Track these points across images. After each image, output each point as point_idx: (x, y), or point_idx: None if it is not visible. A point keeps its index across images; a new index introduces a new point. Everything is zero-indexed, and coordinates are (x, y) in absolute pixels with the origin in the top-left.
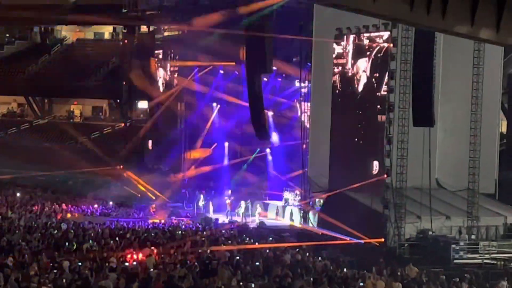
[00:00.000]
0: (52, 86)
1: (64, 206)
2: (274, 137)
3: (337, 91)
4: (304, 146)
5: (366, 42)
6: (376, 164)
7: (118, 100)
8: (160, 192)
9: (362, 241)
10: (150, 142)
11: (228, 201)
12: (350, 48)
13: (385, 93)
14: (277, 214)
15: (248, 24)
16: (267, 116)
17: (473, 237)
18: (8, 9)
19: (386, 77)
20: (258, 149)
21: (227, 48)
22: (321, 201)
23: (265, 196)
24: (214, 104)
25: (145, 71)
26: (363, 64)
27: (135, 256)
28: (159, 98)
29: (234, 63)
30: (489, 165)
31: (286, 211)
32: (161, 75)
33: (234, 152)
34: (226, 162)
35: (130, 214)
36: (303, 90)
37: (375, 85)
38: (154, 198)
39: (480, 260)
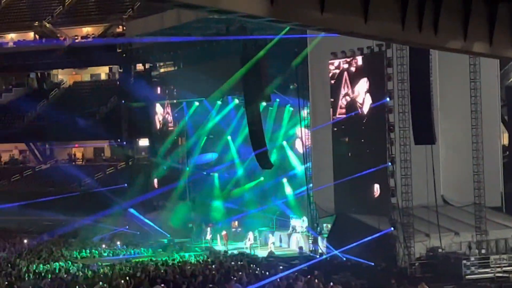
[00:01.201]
0: (52, 130)
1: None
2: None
3: (337, 115)
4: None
5: (361, 63)
6: (377, 187)
7: (119, 140)
8: (167, 228)
9: (372, 263)
10: (155, 180)
11: (223, 232)
12: (346, 71)
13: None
14: (280, 241)
15: (244, 55)
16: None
17: (483, 251)
18: (4, 58)
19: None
20: (262, 178)
21: (224, 80)
22: (329, 226)
23: (272, 225)
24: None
25: (143, 109)
26: (363, 85)
27: None
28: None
29: (230, 95)
30: (493, 178)
31: (294, 238)
32: (159, 111)
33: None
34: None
35: (138, 253)
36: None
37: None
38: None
39: (492, 274)
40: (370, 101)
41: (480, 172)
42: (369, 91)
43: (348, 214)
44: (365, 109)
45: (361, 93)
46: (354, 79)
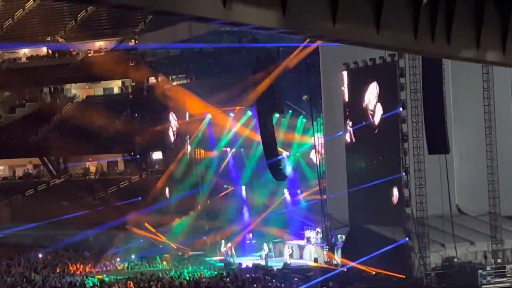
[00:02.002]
0: (65, 145)
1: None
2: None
3: (350, 124)
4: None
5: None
6: (395, 193)
7: (132, 153)
8: (182, 241)
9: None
10: (167, 189)
11: (229, 244)
12: (357, 80)
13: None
14: (290, 255)
15: (257, 67)
16: (282, 156)
17: (499, 261)
18: (17, 73)
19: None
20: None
21: (237, 92)
22: (343, 236)
23: (286, 236)
24: (228, 149)
25: (156, 121)
26: (373, 91)
27: None
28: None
29: (243, 107)
30: (508, 187)
31: (308, 250)
32: (172, 124)
33: (251, 193)
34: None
35: (152, 265)
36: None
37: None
38: (175, 247)
39: (509, 284)
40: (381, 111)
41: (495, 181)
42: (380, 98)
43: (362, 225)
44: (377, 118)
45: (371, 100)
46: (364, 86)
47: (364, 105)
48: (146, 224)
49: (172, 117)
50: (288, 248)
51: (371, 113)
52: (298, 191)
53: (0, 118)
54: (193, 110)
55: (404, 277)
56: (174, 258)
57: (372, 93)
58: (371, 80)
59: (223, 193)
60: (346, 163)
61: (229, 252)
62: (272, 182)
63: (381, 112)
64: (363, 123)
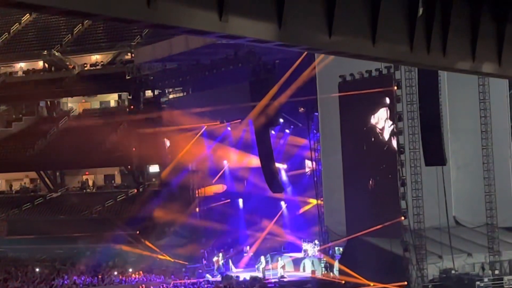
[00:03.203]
0: (62, 158)
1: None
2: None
3: (348, 138)
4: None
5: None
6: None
7: (129, 167)
8: (178, 254)
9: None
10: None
11: (215, 258)
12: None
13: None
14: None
15: (253, 80)
16: (279, 169)
17: (496, 272)
18: (14, 87)
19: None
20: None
21: (233, 105)
22: (341, 249)
23: (284, 249)
24: (225, 161)
25: (153, 135)
26: (383, 114)
27: None
28: (170, 160)
29: (240, 120)
30: (505, 198)
31: (306, 262)
32: (167, 137)
33: (249, 207)
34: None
35: (150, 280)
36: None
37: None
38: (172, 260)
39: None
40: (390, 130)
41: (492, 193)
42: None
43: (360, 237)
44: (386, 135)
45: (380, 121)
46: (370, 106)
47: (371, 124)
48: (146, 242)
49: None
50: (281, 260)
51: (380, 131)
52: (295, 203)
53: None
54: (189, 123)
55: None
56: (170, 270)
57: (382, 114)
58: (379, 104)
59: (219, 204)
60: (343, 175)
61: (216, 265)
62: (269, 194)
63: (390, 130)
64: (366, 138)
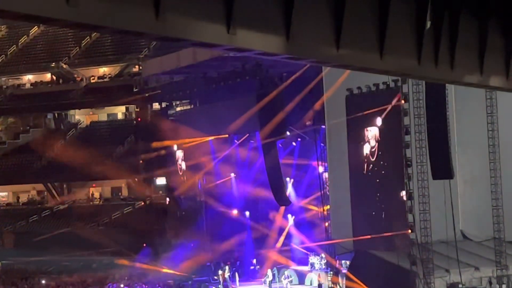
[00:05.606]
0: (69, 171)
1: None
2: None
3: (355, 151)
4: (325, 210)
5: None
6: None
7: (136, 179)
8: (185, 267)
9: None
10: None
11: (220, 272)
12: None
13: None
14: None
15: (260, 93)
16: (286, 182)
17: (504, 286)
18: (21, 99)
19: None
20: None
21: (241, 117)
22: (347, 262)
23: (290, 262)
24: (232, 174)
25: (159, 147)
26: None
27: None
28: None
29: (247, 134)
30: None
31: (312, 275)
32: (175, 149)
33: (255, 219)
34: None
35: None
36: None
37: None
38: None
39: None
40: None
41: (499, 206)
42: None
43: (366, 250)
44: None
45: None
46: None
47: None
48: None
49: (175, 143)
50: (286, 273)
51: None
52: (302, 216)
53: (4, 144)
54: (196, 138)
55: None
56: (176, 283)
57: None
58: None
59: (226, 216)
60: (350, 188)
61: (221, 278)
62: (276, 207)
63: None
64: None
